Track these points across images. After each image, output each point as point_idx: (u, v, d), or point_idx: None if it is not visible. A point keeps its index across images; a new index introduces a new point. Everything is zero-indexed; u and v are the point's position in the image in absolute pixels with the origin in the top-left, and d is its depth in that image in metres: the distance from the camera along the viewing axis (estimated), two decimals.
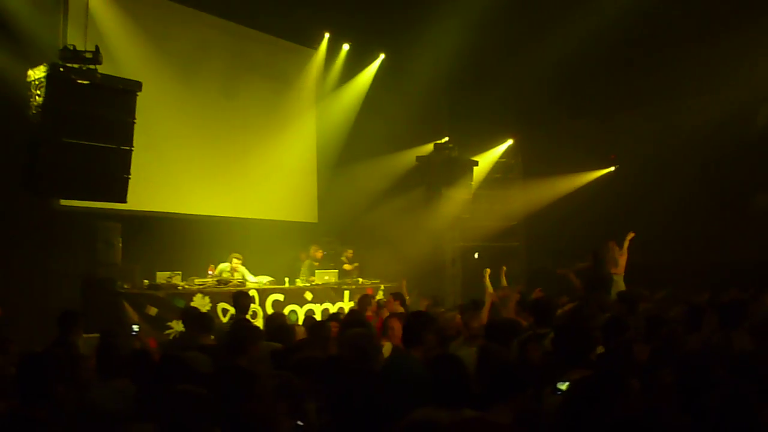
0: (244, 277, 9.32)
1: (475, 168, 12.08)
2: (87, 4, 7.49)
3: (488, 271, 8.55)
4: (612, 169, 12.48)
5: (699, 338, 4.87)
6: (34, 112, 6.55)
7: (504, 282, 9.24)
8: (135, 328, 6.15)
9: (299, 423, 2.87)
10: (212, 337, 5.39)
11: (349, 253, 11.21)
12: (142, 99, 7.33)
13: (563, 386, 2.99)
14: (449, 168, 11.55)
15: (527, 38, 10.76)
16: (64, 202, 8.52)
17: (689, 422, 2.80)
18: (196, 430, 2.52)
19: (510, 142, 13.56)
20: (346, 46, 12.35)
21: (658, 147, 11.23)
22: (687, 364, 3.36)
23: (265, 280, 9.62)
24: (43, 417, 2.93)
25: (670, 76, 10.81)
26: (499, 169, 13.62)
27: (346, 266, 11.06)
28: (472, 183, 12.00)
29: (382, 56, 12.59)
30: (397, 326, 5.25)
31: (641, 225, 10.38)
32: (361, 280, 10.55)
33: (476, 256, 13.51)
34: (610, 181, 12.30)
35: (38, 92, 6.50)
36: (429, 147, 12.04)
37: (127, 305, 7.67)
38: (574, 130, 12.49)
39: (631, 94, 11.54)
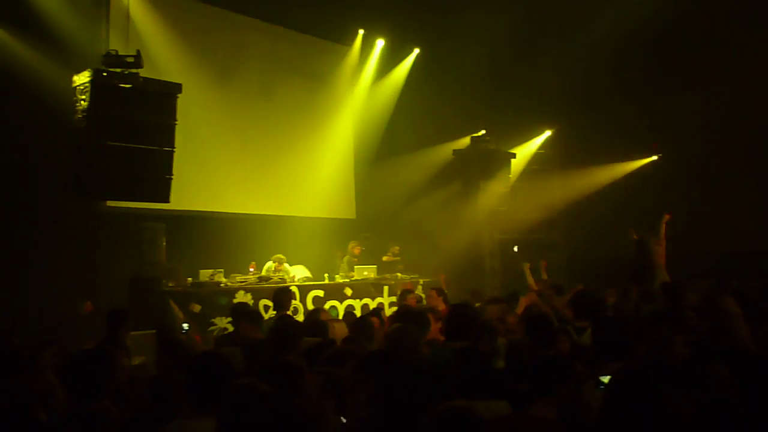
0: (287, 273, 9.50)
1: (512, 160, 11.96)
2: (128, 9, 7.66)
3: (528, 265, 8.43)
4: (654, 157, 12.20)
5: (746, 329, 4.74)
6: (79, 116, 6.74)
7: (544, 275, 9.13)
8: (185, 326, 6.27)
9: (343, 420, 2.89)
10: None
11: (396, 249, 11.21)
12: (182, 100, 7.47)
13: (605, 379, 2.95)
14: (486, 161, 11.47)
15: (564, 26, 10.60)
16: (109, 203, 8.76)
17: (750, 415, 2.71)
18: (257, 424, 2.54)
19: (548, 133, 13.38)
20: (380, 42, 12.37)
21: (702, 133, 10.94)
22: (745, 356, 3.27)
23: (302, 273, 9.74)
24: (96, 412, 3.03)
25: (713, 60, 10.52)
26: (538, 161, 13.44)
27: (385, 257, 11.07)
28: (510, 175, 11.90)
29: (416, 51, 12.56)
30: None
31: (685, 213, 10.14)
32: (400, 275, 10.57)
33: (515, 249, 13.38)
34: (652, 170, 12.03)
35: (83, 97, 6.68)
36: (466, 140, 11.97)
37: (172, 303, 7.85)
38: (614, 118, 12.25)
39: (672, 79, 11.25)
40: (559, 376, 3.04)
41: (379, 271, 10.51)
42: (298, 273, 9.94)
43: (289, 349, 4.09)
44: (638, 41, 10.62)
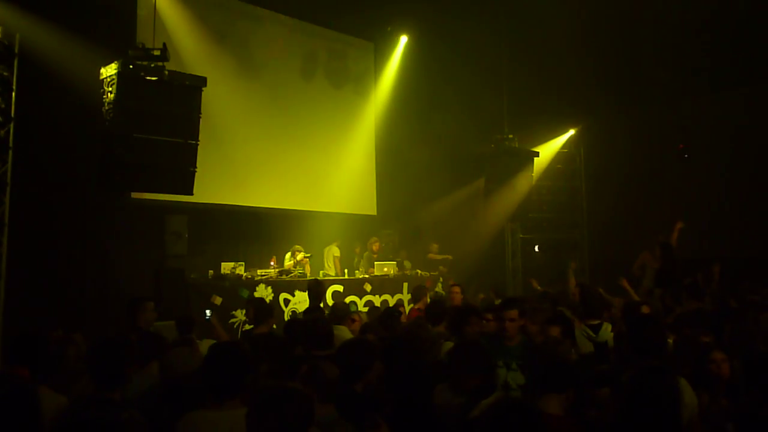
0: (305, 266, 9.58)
1: (535, 159, 11.86)
2: (155, 3, 7.73)
3: (573, 264, 8.41)
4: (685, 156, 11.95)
5: None
6: (106, 108, 6.81)
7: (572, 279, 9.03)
8: (207, 313, 6.32)
9: None
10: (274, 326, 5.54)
11: (435, 247, 11.19)
12: (207, 94, 7.52)
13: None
14: (509, 159, 11.39)
15: (589, 24, 10.46)
16: (134, 195, 8.87)
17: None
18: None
19: (571, 132, 13.25)
20: (404, 39, 12.34)
21: (731, 135, 10.75)
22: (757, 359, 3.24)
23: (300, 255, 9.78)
24: (117, 398, 3.06)
25: (744, 60, 10.30)
26: (561, 160, 13.32)
27: (431, 255, 11.08)
28: (533, 174, 11.79)
29: (441, 48, 12.51)
30: None
31: (711, 216, 9.96)
32: (419, 271, 10.56)
33: (536, 249, 13.28)
34: (678, 171, 11.82)
35: (110, 89, 6.75)
36: (489, 138, 11.90)
37: (194, 294, 7.95)
38: (640, 118, 12.07)
39: (702, 80, 11.04)
40: (570, 379, 3.03)
41: (416, 267, 10.55)
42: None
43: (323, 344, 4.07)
44: (664, 40, 10.46)
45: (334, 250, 10.63)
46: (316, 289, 6.61)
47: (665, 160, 11.84)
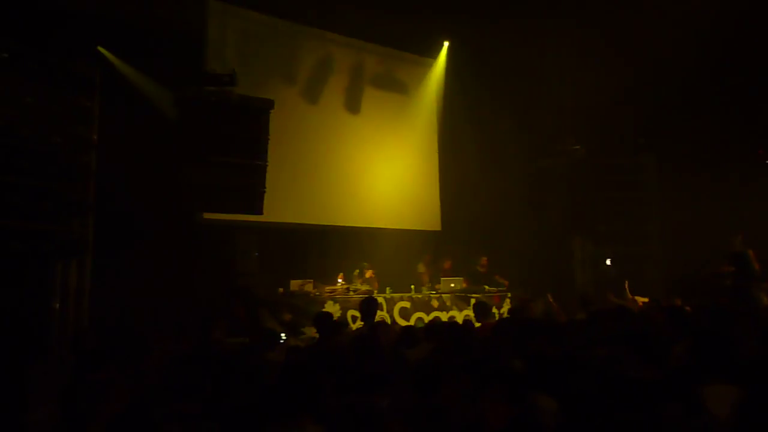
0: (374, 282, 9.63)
1: (605, 170, 11.57)
2: (225, 30, 8.04)
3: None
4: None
5: None
6: (178, 132, 7.12)
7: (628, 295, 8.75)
8: (282, 336, 6.43)
9: None
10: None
11: (483, 260, 10.97)
12: (273, 116, 7.72)
13: None
14: (577, 172, 11.14)
15: (657, 25, 10.13)
16: (206, 215, 9.15)
17: None
18: None
19: (642, 140, 12.83)
20: (465, 54, 12.31)
21: None
22: None
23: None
24: (196, 412, 3.15)
25: None
26: (632, 170, 12.91)
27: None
28: (603, 185, 11.50)
29: (504, 62, 12.39)
30: None
31: None
32: (487, 287, 10.40)
33: (608, 262, 12.86)
34: (759, 178, 11.23)
35: (182, 113, 7.05)
36: (557, 151, 11.71)
37: (266, 312, 8.10)
38: (715, 123, 11.55)
39: None
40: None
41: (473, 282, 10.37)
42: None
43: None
44: (742, 37, 9.97)
45: (419, 267, 10.66)
46: (366, 307, 6.59)
47: (742, 167, 11.30)
